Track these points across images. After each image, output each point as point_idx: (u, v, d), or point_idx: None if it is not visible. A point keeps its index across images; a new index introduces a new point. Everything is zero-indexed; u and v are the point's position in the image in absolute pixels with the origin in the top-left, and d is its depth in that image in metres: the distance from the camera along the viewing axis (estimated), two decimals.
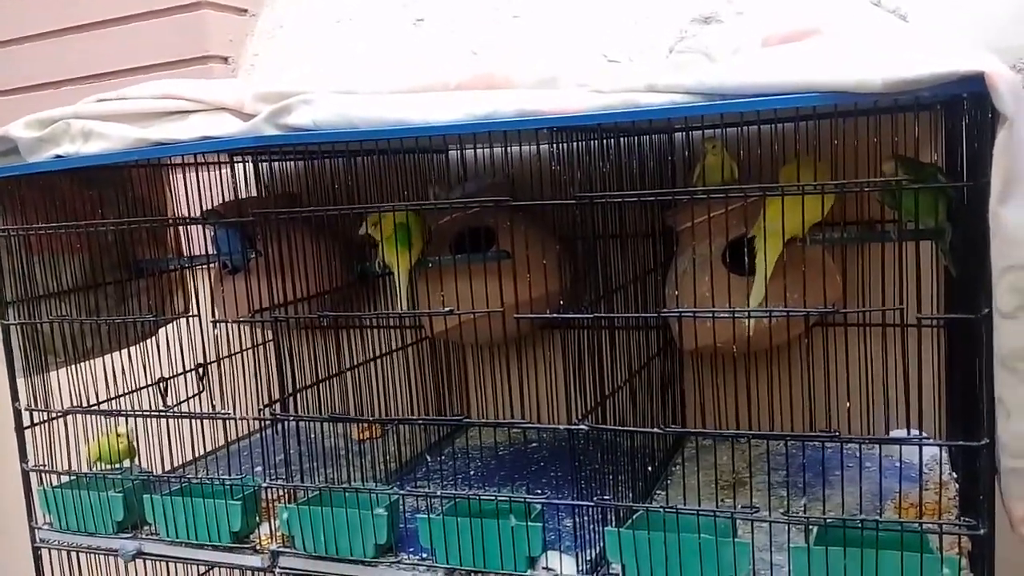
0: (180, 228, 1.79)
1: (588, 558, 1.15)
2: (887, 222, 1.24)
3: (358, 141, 1.16)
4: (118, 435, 1.52)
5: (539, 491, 1.42)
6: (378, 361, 1.58)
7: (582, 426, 1.11)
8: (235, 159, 1.66)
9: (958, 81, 0.88)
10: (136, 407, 1.48)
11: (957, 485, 1.27)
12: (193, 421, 1.49)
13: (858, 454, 1.20)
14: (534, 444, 1.68)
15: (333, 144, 1.24)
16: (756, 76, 0.96)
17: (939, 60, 0.89)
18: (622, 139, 1.28)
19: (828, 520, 1.01)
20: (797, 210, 1.06)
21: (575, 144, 1.17)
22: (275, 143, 1.20)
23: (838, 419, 1.20)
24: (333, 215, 1.33)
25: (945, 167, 1.32)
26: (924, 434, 1.03)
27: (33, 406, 1.48)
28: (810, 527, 1.02)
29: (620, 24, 1.73)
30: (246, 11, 2.10)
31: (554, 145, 1.15)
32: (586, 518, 1.16)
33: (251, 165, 1.85)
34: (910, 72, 0.88)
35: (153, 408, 1.47)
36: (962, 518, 0.99)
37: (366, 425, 1.66)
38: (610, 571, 1.13)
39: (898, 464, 1.33)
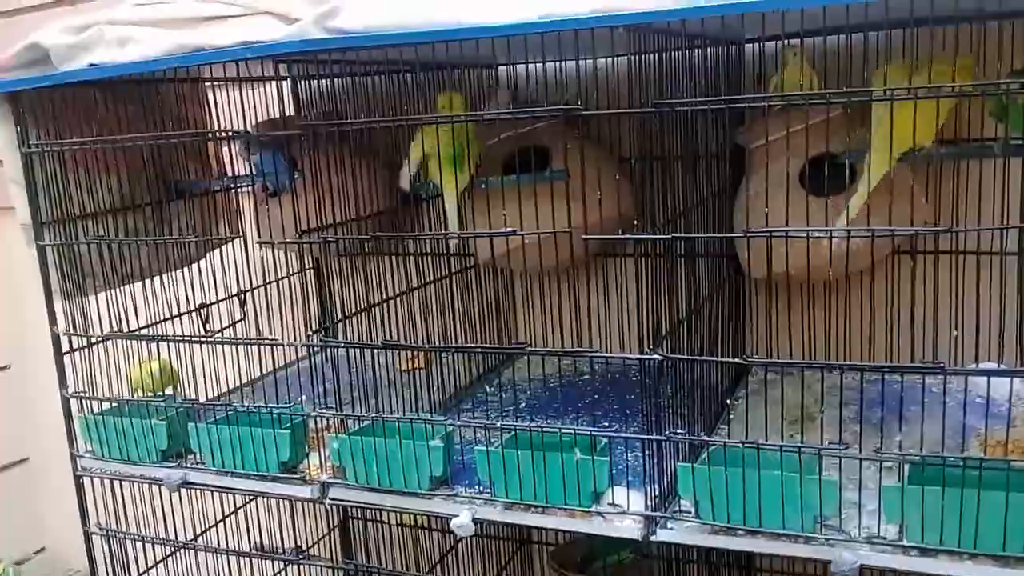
0: (222, 147, 1.72)
1: (655, 494, 1.10)
2: (987, 140, 1.14)
3: (412, 46, 1.07)
4: (160, 362, 1.47)
5: (596, 423, 1.36)
6: (425, 289, 1.51)
7: (655, 355, 1.04)
8: (280, 72, 1.57)
9: None
10: (178, 333, 1.43)
11: None
12: (235, 349, 1.44)
13: (937, 388, 1.12)
14: (586, 376, 1.62)
15: (386, 53, 1.15)
16: None
17: None
18: (693, 51, 1.18)
19: (925, 457, 0.94)
20: (910, 118, 0.96)
21: (636, 57, 1.08)
22: (323, 48, 1.10)
23: (926, 351, 1.12)
24: (379, 135, 1.25)
25: None
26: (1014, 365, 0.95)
27: (72, 331, 1.44)
28: (904, 464, 0.95)
29: None
30: None
31: (630, 57, 1.05)
32: (651, 453, 1.10)
33: (291, 84, 1.76)
34: None
35: (197, 334, 1.41)
36: None
37: (412, 355, 1.61)
38: (681, 508, 1.07)
39: (980, 400, 1.25)
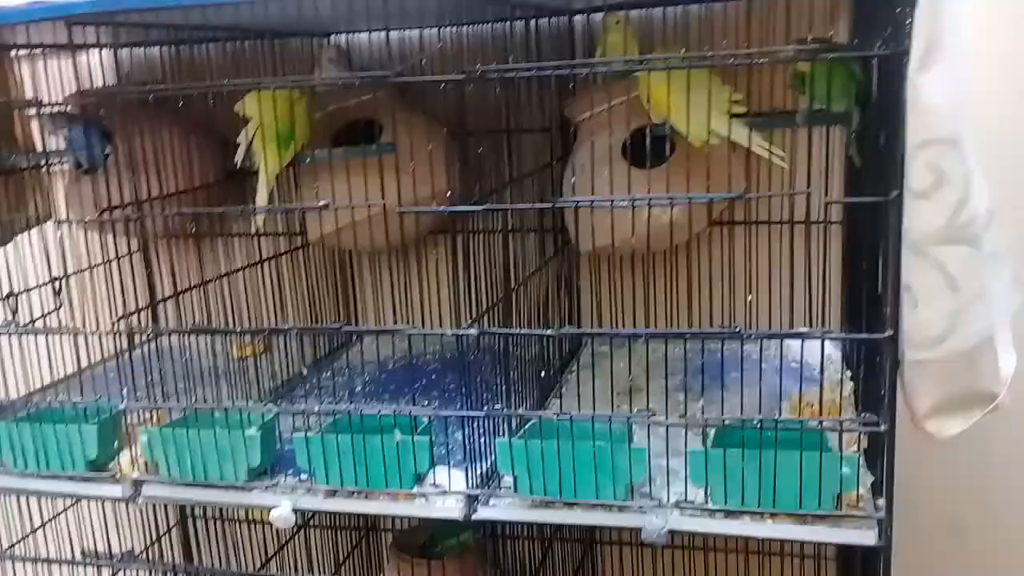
0: (31, 121, 1.59)
1: (479, 472, 1.08)
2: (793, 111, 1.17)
3: (200, 8, 1.00)
4: None
5: (429, 404, 1.34)
6: (254, 270, 1.45)
7: (471, 331, 1.02)
8: (78, 44, 1.46)
9: None
10: None
11: (852, 383, 1.25)
12: (49, 340, 1.33)
13: (757, 354, 1.15)
14: (427, 356, 1.59)
15: (204, 20, 1.08)
16: None
17: None
18: (516, 23, 1.17)
19: (726, 421, 0.96)
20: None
21: (466, 27, 1.06)
22: (121, 7, 1.02)
23: (740, 319, 1.15)
24: (201, 105, 1.16)
25: (859, 41, 1.25)
26: (826, 328, 0.98)
27: None
28: (707, 430, 0.97)
29: None
30: None
31: (442, 28, 1.02)
32: (479, 430, 1.09)
33: (107, 52, 1.65)
34: None
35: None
36: (862, 414, 0.95)
37: (247, 341, 1.53)
38: (502, 484, 1.06)
39: (795, 364, 1.29)
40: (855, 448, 0.99)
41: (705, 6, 1.20)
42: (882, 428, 0.92)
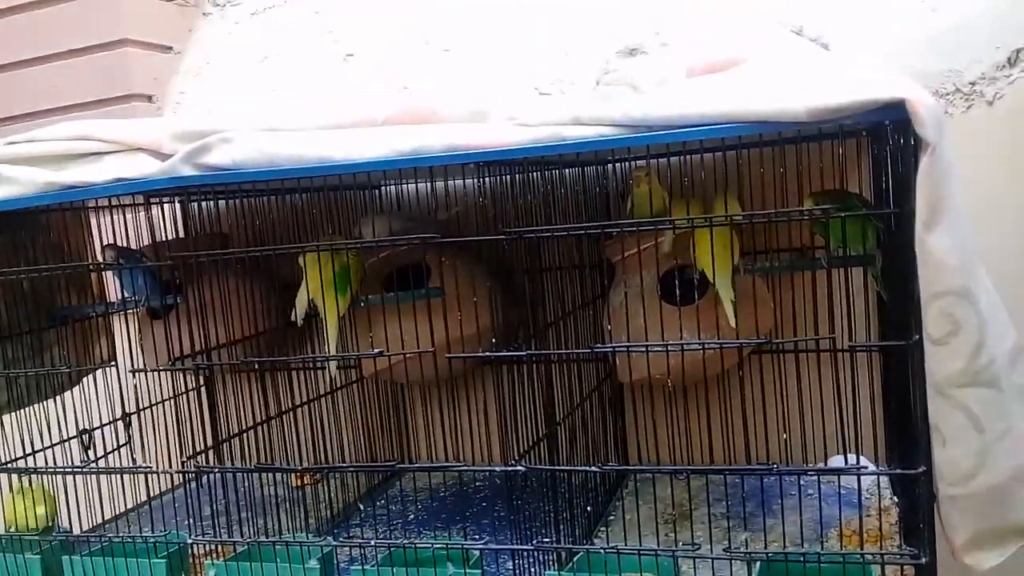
0: (101, 273, 1.72)
1: None
2: (818, 248, 1.24)
3: (279, 180, 1.12)
4: (35, 492, 1.43)
5: (480, 534, 1.38)
6: (311, 405, 1.53)
7: (519, 467, 1.08)
8: (151, 200, 1.60)
9: (880, 108, 0.88)
10: (57, 462, 1.40)
11: (898, 510, 1.27)
12: (116, 476, 1.42)
13: (798, 484, 1.19)
14: (477, 484, 1.64)
15: (254, 184, 1.21)
16: (680, 107, 0.96)
17: (861, 88, 0.89)
18: (553, 171, 1.27)
19: (770, 555, 0.99)
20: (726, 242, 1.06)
21: (505, 177, 1.15)
22: (192, 183, 1.15)
23: (779, 449, 1.19)
24: (264, 256, 1.28)
25: (873, 194, 1.33)
26: (862, 461, 1.02)
27: None
28: (752, 562, 1.00)
29: (550, 56, 1.73)
30: (171, 48, 2.05)
31: (483, 179, 1.13)
32: (527, 562, 1.13)
33: (176, 205, 1.79)
34: (832, 100, 0.89)
35: (71, 464, 1.39)
36: (904, 546, 0.97)
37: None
38: None
39: (838, 491, 1.32)
40: None
41: (726, 153, 1.30)
42: (923, 561, 0.94)
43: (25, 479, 1.40)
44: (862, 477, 1.21)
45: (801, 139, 1.14)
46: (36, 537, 1.37)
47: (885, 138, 1.13)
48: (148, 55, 1.99)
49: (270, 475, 1.49)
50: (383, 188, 1.74)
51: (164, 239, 1.67)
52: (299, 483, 1.61)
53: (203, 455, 1.34)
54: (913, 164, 0.88)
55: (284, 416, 1.43)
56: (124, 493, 1.44)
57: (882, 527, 1.13)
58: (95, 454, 1.47)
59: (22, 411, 1.47)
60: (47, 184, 1.19)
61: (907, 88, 0.87)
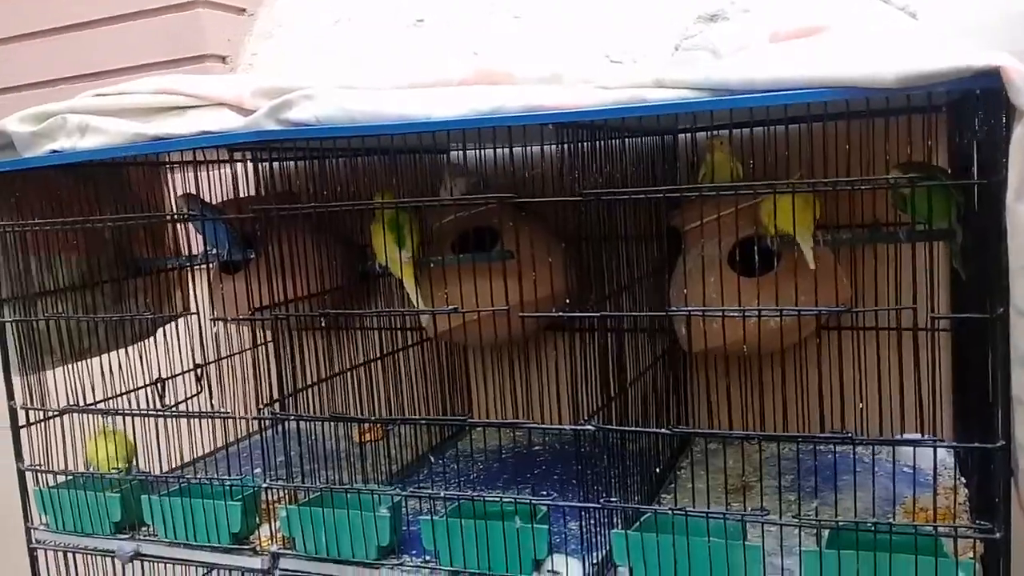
0: (178, 227, 1.77)
1: (594, 561, 1.13)
2: (897, 224, 1.22)
3: (360, 137, 1.14)
4: (115, 435, 1.49)
5: (544, 493, 1.40)
6: (380, 362, 1.56)
7: (588, 426, 1.09)
8: (235, 156, 1.64)
9: (972, 76, 0.86)
10: (134, 407, 1.46)
11: (966, 490, 1.26)
12: (191, 421, 1.47)
13: (869, 458, 1.18)
14: (537, 447, 1.66)
15: (335, 141, 1.23)
16: (764, 71, 0.95)
17: (953, 55, 0.87)
18: (627, 140, 1.27)
19: (840, 523, 0.99)
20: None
21: (580, 144, 1.16)
22: (276, 138, 1.18)
23: (851, 422, 1.18)
24: (334, 213, 1.30)
25: (950, 170, 1.30)
26: (937, 437, 1.01)
27: (29, 405, 1.46)
28: (822, 531, 1.00)
29: (623, 24, 1.71)
30: (244, 10, 2.08)
31: (560, 145, 1.13)
32: (592, 520, 1.14)
33: (250, 164, 1.83)
34: (924, 67, 0.87)
35: (151, 408, 1.44)
36: (977, 521, 0.97)
37: (368, 426, 1.64)
38: (617, 574, 1.11)
39: (907, 469, 1.31)
40: (971, 554, 1.00)
41: (801, 126, 1.28)
42: (997, 535, 0.94)
43: (108, 421, 1.46)
44: (936, 451, 1.20)
45: (884, 112, 1.12)
46: (116, 476, 1.43)
47: (970, 110, 1.11)
48: (222, 16, 2.02)
49: (335, 430, 1.53)
50: (450, 153, 1.76)
51: (237, 196, 1.71)
52: (363, 439, 1.65)
53: (278, 403, 1.38)
54: (1004, 134, 0.86)
55: (351, 372, 1.47)
56: (193, 441, 1.49)
57: (955, 507, 1.12)
58: (170, 401, 1.52)
59: (102, 358, 1.53)
60: (135, 135, 1.22)
61: (1000, 56, 0.85)
